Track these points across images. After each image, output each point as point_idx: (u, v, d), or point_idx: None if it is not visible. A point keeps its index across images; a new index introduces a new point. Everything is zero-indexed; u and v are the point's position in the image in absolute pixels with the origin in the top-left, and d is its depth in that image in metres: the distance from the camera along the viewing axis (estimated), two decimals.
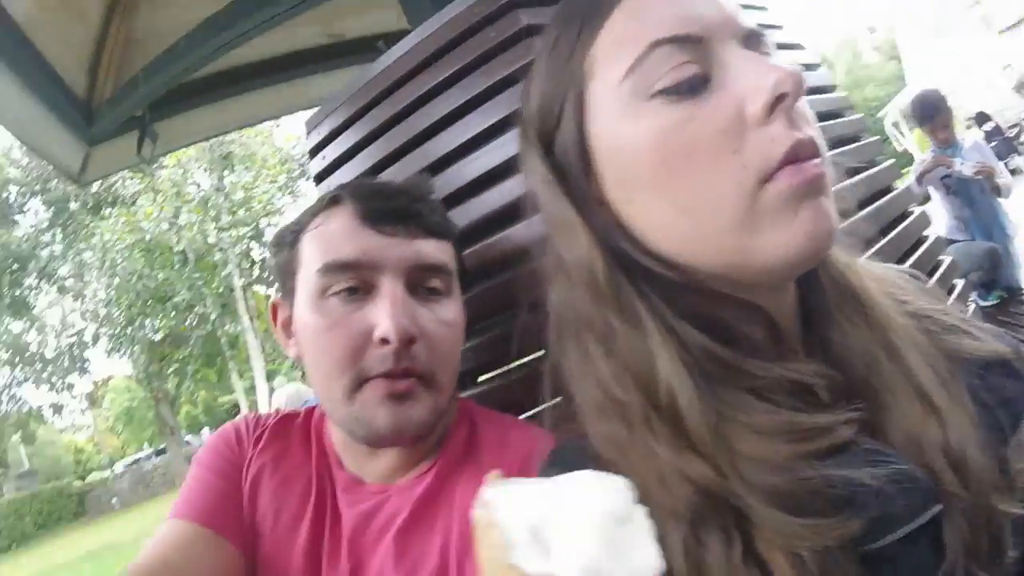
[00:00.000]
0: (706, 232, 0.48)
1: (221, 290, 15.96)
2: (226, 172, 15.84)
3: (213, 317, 16.09)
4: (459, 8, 1.10)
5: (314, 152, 1.32)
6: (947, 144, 3.63)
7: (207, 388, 20.10)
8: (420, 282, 0.79)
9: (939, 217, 3.63)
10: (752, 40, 0.50)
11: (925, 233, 1.69)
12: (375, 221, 0.77)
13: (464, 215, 1.04)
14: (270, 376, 17.85)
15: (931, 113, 3.67)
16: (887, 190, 1.59)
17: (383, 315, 0.73)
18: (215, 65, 2.64)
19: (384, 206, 0.79)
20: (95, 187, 16.40)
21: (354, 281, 0.76)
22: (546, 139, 0.56)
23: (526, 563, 0.29)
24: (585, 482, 0.35)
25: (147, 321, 16.55)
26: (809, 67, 1.69)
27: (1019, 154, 10.50)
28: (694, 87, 0.48)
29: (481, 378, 1.11)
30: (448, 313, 0.81)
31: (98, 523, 18.29)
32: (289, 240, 0.85)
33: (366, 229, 0.77)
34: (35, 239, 18.78)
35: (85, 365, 20.30)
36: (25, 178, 18.37)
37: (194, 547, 0.76)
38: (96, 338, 19.04)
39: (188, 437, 26.09)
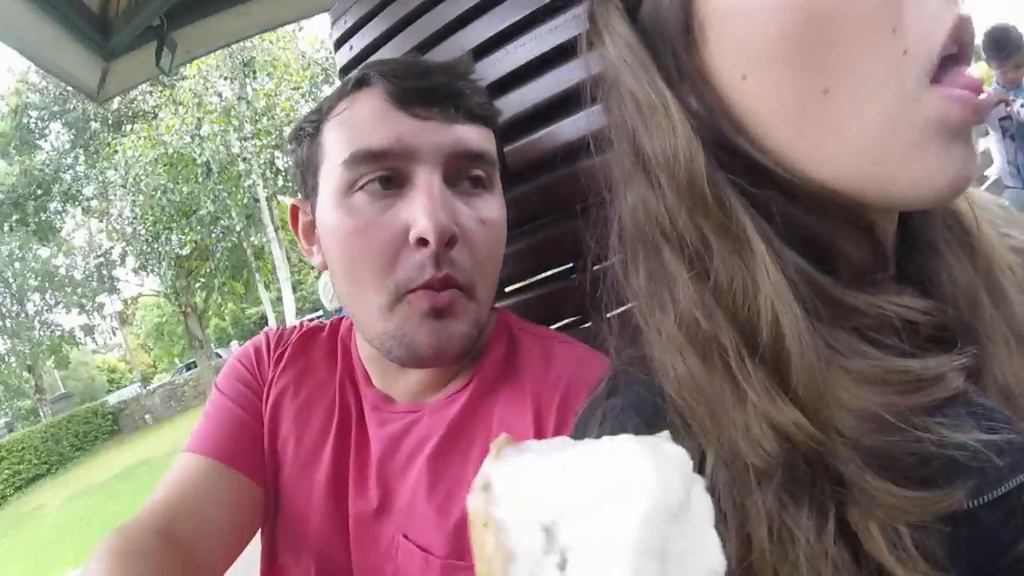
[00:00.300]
0: (842, 130, 0.37)
1: (246, 201, 16.18)
2: (248, 80, 15.75)
3: (238, 229, 16.48)
4: None
5: (339, 43, 1.23)
6: (1015, 84, 3.37)
7: (234, 301, 20.71)
8: (459, 173, 0.70)
9: (995, 158, 3.57)
10: None
11: (986, 172, 1.64)
12: (409, 103, 0.68)
13: (518, 101, 0.96)
14: (295, 287, 18.35)
15: (1005, 49, 3.36)
16: None
17: (419, 211, 0.64)
18: None
19: (419, 85, 0.69)
20: (115, 104, 16.63)
21: (386, 172, 0.67)
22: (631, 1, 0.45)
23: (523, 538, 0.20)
24: (626, 456, 0.22)
25: (173, 236, 16.91)
26: None
27: None
28: None
29: (509, 288, 1.05)
30: (490, 210, 0.72)
31: (132, 440, 18.69)
32: (309, 131, 0.75)
33: (399, 112, 0.67)
34: (57, 162, 19.10)
35: (114, 284, 21.19)
36: (44, 102, 18.51)
37: (211, 484, 0.73)
38: (124, 256, 19.73)
39: (218, 350, 26.94)
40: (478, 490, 0.23)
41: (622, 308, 0.48)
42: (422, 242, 0.65)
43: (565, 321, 0.97)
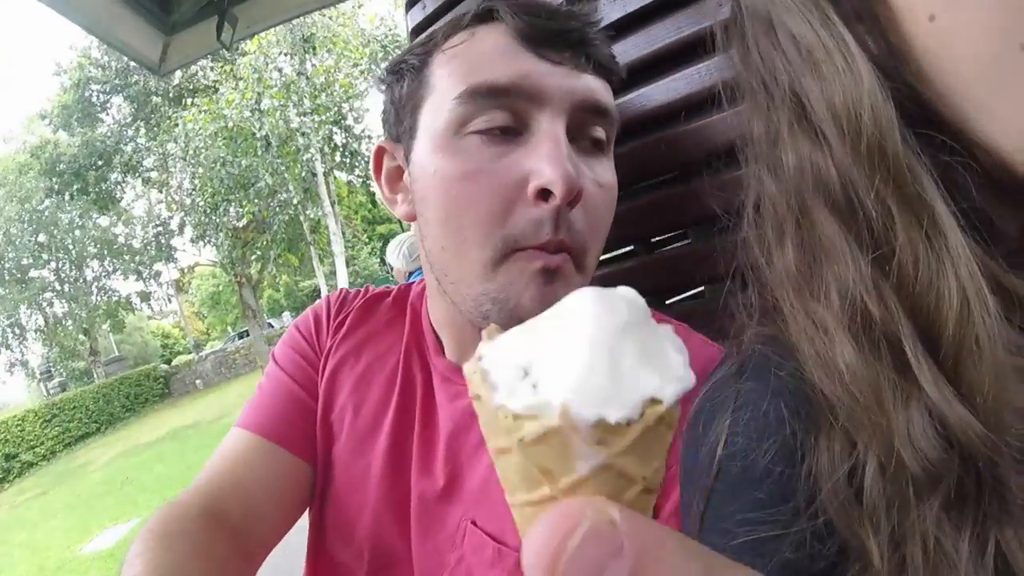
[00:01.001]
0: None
1: (303, 175, 16.40)
2: (308, 56, 15.90)
3: (296, 202, 16.67)
4: None
5: (412, 3, 1.18)
6: None
7: (288, 273, 21.08)
8: (584, 127, 0.64)
9: None
10: None
11: None
12: (539, 43, 0.61)
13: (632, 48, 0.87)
14: (348, 262, 18.59)
15: None
16: None
17: (545, 160, 0.57)
18: None
19: (551, 26, 0.62)
20: (176, 78, 17.08)
21: (504, 113, 0.60)
22: None
23: (511, 400, 0.21)
24: (583, 299, 0.23)
25: (231, 208, 17.26)
26: None
27: None
28: None
29: (614, 254, 0.96)
30: (607, 174, 0.67)
31: (182, 404, 18.97)
32: (414, 63, 0.67)
33: (526, 52, 0.61)
34: (119, 134, 19.62)
35: (172, 254, 21.72)
36: (106, 76, 18.96)
37: (258, 463, 0.71)
38: (182, 226, 20.27)
39: (270, 320, 27.48)
40: (472, 361, 0.24)
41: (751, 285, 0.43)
42: (543, 195, 0.58)
43: (678, 296, 0.91)
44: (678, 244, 0.93)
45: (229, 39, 2.44)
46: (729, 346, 0.44)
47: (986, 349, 0.31)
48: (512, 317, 0.59)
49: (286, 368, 0.78)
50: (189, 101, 17.10)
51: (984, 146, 0.33)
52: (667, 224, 0.88)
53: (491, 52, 0.61)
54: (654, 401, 0.20)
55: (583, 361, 0.20)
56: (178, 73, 16.00)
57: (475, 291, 0.61)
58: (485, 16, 0.64)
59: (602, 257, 0.71)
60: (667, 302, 0.89)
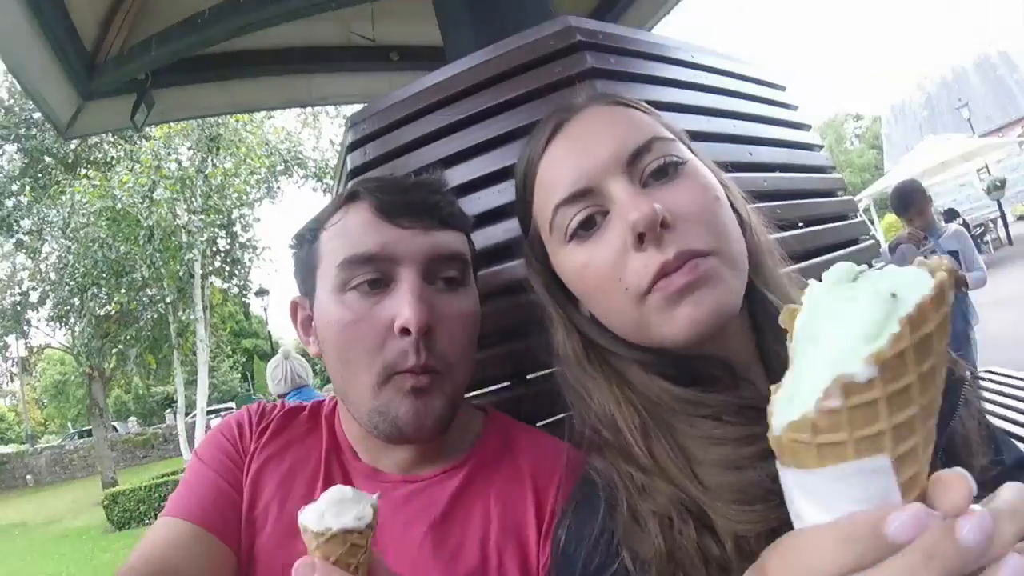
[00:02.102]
0: (626, 331, 0.68)
1: (181, 274, 15.38)
2: (210, 155, 15.40)
3: (168, 301, 15.43)
4: (530, 38, 1.20)
5: (354, 147, 1.35)
6: (924, 230, 3.94)
7: (143, 375, 19.24)
8: (437, 272, 0.82)
9: None
10: (639, 160, 0.66)
11: None
12: (392, 215, 0.81)
13: (482, 238, 1.10)
14: (209, 372, 17.24)
15: (908, 203, 3.96)
16: (869, 266, 1.67)
17: (403, 305, 0.76)
18: (229, 44, 2.66)
19: (401, 200, 0.82)
20: (73, 144, 15.80)
21: (374, 274, 0.79)
22: (540, 258, 0.77)
23: (311, 526, 0.49)
24: (333, 496, 0.52)
25: (100, 293, 15.78)
26: (810, 147, 1.80)
27: (981, 252, 11.10)
28: (591, 226, 0.67)
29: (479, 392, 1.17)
30: (465, 302, 0.85)
31: (7, 498, 17.65)
32: (309, 237, 0.87)
33: (384, 223, 0.80)
34: (3, 186, 17.59)
35: (26, 328, 19.32)
36: (7, 120, 17.34)
37: (188, 547, 0.76)
38: (42, 301, 18.02)
39: (115, 423, 25.04)
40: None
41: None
42: (404, 331, 0.76)
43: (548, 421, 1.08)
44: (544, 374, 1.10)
45: (142, 121, 2.49)
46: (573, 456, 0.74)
47: (641, 447, 0.63)
48: (394, 427, 0.77)
49: (211, 465, 0.84)
50: (83, 171, 15.81)
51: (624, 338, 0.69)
52: (533, 365, 1.11)
53: (358, 227, 0.81)
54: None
55: (322, 507, 0.51)
56: (78, 140, 14.96)
57: (366, 407, 0.79)
58: (353, 196, 0.84)
59: (484, 390, 1.10)
60: (537, 424, 1.02)
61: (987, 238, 14.25)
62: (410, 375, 0.76)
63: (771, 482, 0.45)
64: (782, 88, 1.86)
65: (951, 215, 11.66)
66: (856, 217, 1.87)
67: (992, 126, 24.95)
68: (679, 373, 0.65)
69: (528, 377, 1.15)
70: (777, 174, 1.54)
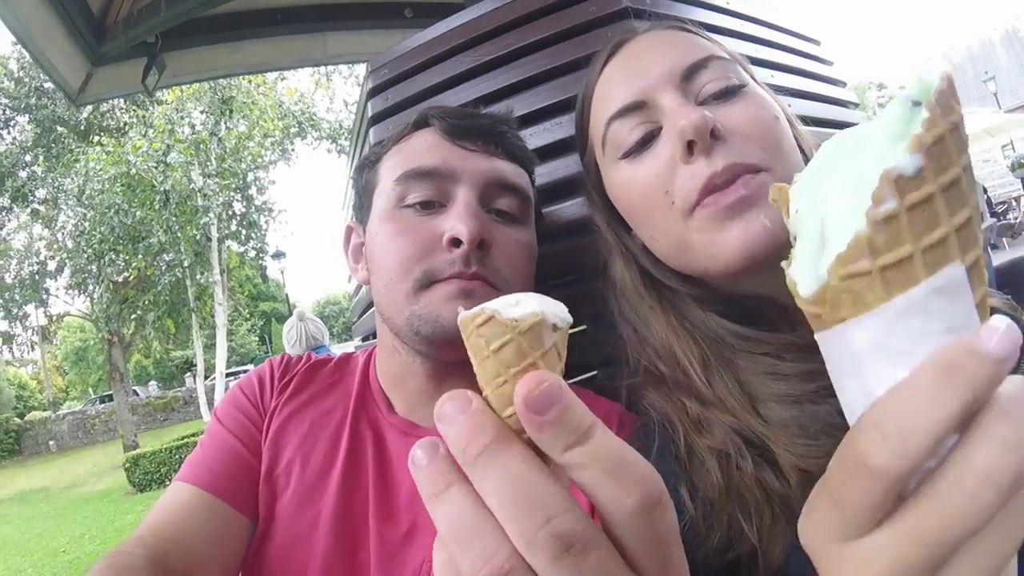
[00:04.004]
0: (671, 255, 0.66)
1: (198, 238, 15.41)
2: (223, 118, 15.32)
3: (186, 265, 15.50)
4: None
5: (375, 92, 1.31)
6: None
7: (162, 340, 19.43)
8: (494, 198, 0.79)
9: None
10: (695, 77, 0.64)
11: None
12: (457, 136, 0.79)
13: None
14: (227, 336, 17.35)
15: None
16: None
17: (455, 218, 0.73)
18: (239, 3, 2.68)
19: (468, 123, 0.81)
20: (85, 112, 15.94)
21: (430, 190, 0.76)
22: (596, 186, 0.76)
23: (502, 311, 0.32)
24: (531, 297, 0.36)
25: (117, 260, 15.88)
26: (844, 104, 1.74)
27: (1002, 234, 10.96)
28: (645, 143, 0.65)
29: None
30: (522, 235, 0.81)
31: (31, 464, 17.93)
32: (372, 160, 0.85)
33: (447, 143, 0.79)
34: (16, 157, 17.85)
35: (44, 297, 19.55)
36: (17, 91, 17.41)
37: (200, 515, 0.74)
38: (60, 270, 18.35)
39: (136, 387, 25.45)
40: (475, 311, 0.33)
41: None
42: (455, 243, 0.72)
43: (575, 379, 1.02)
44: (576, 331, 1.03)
45: (153, 84, 2.44)
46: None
47: (702, 380, 0.61)
48: (436, 330, 0.71)
49: (229, 426, 0.81)
50: (96, 138, 15.82)
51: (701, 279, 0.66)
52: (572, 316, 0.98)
53: (422, 146, 0.80)
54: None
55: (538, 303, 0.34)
56: (90, 106, 14.95)
57: (404, 314, 0.73)
58: (422, 123, 0.83)
59: None
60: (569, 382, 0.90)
61: (1010, 216, 13.93)
62: (457, 280, 0.72)
63: (836, 416, 0.48)
64: (817, 43, 1.80)
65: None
66: None
67: (1019, 101, 24.18)
68: (734, 312, 0.63)
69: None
70: (814, 128, 1.49)
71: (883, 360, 0.28)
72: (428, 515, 0.70)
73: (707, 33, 0.73)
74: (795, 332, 0.59)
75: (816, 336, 0.32)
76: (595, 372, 1.06)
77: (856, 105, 1.86)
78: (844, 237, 0.28)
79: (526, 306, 0.33)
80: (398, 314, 0.75)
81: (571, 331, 1.06)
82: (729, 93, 0.63)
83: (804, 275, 0.30)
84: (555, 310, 0.34)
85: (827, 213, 0.30)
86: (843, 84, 1.83)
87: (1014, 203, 14.56)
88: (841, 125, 1.70)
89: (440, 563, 0.31)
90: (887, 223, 0.27)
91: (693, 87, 0.64)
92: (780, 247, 0.57)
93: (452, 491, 0.31)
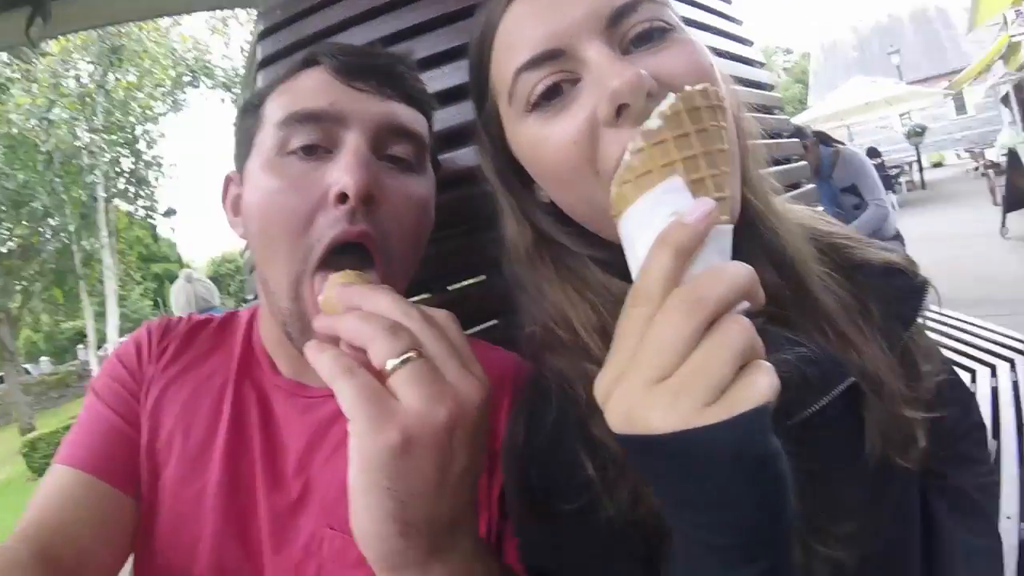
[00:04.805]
0: (592, 219, 0.61)
1: (84, 199, 14.41)
2: (112, 68, 14.25)
3: (72, 229, 14.46)
4: None
5: (266, 33, 1.22)
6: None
7: (51, 311, 18.17)
8: (387, 144, 0.72)
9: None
10: (622, 21, 0.55)
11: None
12: (349, 75, 0.72)
13: None
14: (119, 303, 16.57)
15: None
16: (796, 185, 1.79)
17: (341, 169, 0.66)
18: None
19: (361, 62, 0.73)
20: None
21: (316, 135, 0.69)
22: (495, 137, 0.68)
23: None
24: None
25: (0, 228, 14.69)
26: (751, 63, 1.78)
27: (894, 192, 11.83)
28: (557, 94, 0.57)
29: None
30: (416, 187, 0.75)
31: None
32: (255, 103, 0.77)
33: (338, 83, 0.71)
34: None
35: None
36: None
37: (82, 500, 0.69)
38: None
39: (27, 366, 23.78)
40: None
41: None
42: (341, 198, 0.65)
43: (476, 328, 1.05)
44: (473, 282, 1.09)
45: (38, 35, 2.22)
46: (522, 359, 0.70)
47: (598, 341, 0.60)
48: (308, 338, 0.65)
49: (106, 400, 0.77)
50: None
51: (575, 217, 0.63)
52: (468, 266, 1.06)
53: (310, 86, 0.71)
54: None
55: None
56: None
57: (284, 304, 0.68)
58: (310, 61, 0.74)
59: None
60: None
61: (902, 180, 14.96)
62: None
63: None
64: (728, 1, 1.81)
65: (872, 153, 12.08)
66: (788, 136, 1.89)
67: (920, 76, 25.69)
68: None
69: (448, 287, 1.10)
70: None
71: (642, 232, 0.45)
72: (319, 479, 0.71)
73: None
74: None
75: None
76: (495, 322, 1.05)
77: (762, 65, 1.89)
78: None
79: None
80: (278, 298, 0.69)
81: (470, 281, 1.02)
82: (658, 37, 0.56)
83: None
84: None
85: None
86: (751, 43, 1.85)
87: (906, 167, 15.67)
88: (749, 83, 1.73)
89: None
90: (639, 154, 0.46)
91: (619, 31, 0.55)
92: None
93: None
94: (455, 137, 1.02)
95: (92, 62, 14.10)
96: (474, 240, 0.99)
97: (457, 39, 1.07)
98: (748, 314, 0.42)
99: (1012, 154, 7.64)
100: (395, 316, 0.50)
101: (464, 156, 1.02)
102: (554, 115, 0.56)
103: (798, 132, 3.83)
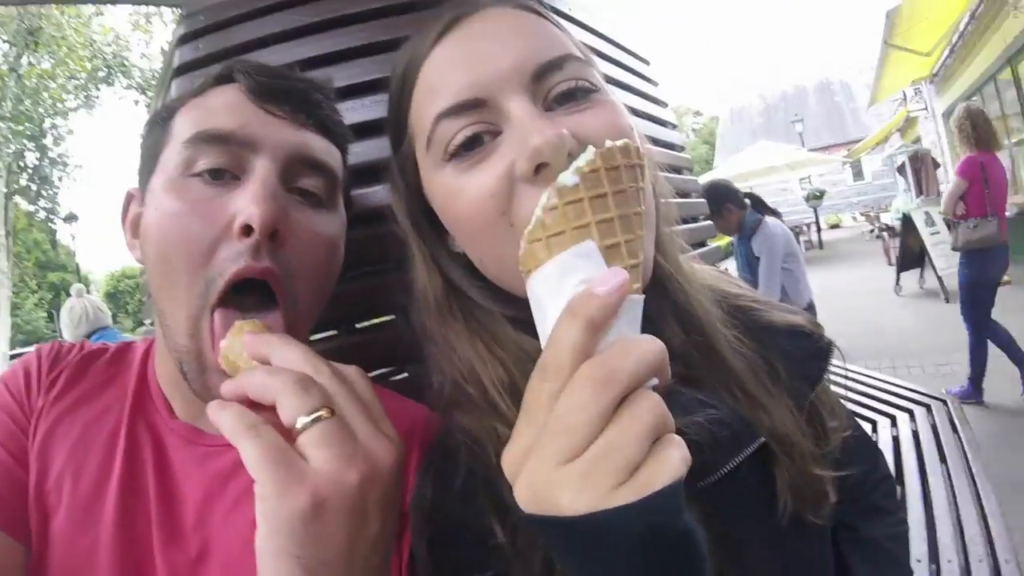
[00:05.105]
0: (503, 276, 0.60)
1: None
2: (27, 51, 13.35)
3: None
4: None
5: (186, 39, 1.17)
6: (726, 231, 4.28)
7: None
8: (297, 176, 0.69)
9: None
10: (547, 78, 0.57)
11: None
12: (264, 97, 0.69)
13: None
14: (12, 310, 15.32)
15: (712, 200, 3.99)
16: (703, 244, 1.89)
17: (248, 199, 0.62)
18: None
19: (277, 84, 0.70)
20: None
21: (224, 158, 0.65)
22: (410, 181, 0.67)
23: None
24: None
25: None
26: (664, 123, 1.87)
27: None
28: (476, 144, 0.56)
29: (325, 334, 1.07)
30: (325, 224, 0.71)
31: None
32: (164, 115, 0.72)
33: (251, 105, 0.68)
34: None
35: None
36: None
37: None
38: None
39: None
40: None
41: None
42: (246, 230, 0.62)
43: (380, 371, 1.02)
44: (381, 322, 1.05)
45: None
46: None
47: (506, 399, 0.59)
48: (203, 385, 0.64)
49: None
50: None
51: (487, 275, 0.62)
52: (377, 307, 1.02)
53: (221, 105, 0.68)
54: None
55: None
56: None
57: (180, 340, 0.64)
58: (225, 78, 0.71)
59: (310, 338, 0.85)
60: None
61: (801, 240, 15.99)
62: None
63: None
64: (647, 62, 1.91)
65: (769, 211, 12.74)
66: (697, 197, 2.00)
67: (821, 143, 27.79)
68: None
69: (357, 326, 1.06)
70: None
71: (552, 299, 0.43)
72: (219, 536, 0.66)
73: (559, 19, 0.65)
74: None
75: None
76: (406, 375, 1.03)
77: (675, 126, 2.00)
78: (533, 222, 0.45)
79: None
80: (175, 334, 0.65)
81: (377, 320, 0.95)
82: (581, 96, 0.57)
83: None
84: None
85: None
86: (665, 104, 1.96)
87: (805, 228, 16.75)
88: (662, 144, 1.82)
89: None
90: (552, 212, 0.43)
91: (543, 87, 0.56)
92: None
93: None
94: (369, 172, 0.99)
95: (8, 41, 13.22)
96: (383, 280, 0.93)
97: (379, 71, 1.06)
98: None
99: (906, 218, 8.24)
100: (305, 370, 0.48)
101: (377, 193, 0.99)
102: (472, 166, 0.56)
103: (730, 194, 4.17)
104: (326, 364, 0.50)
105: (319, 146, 0.72)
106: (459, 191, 0.57)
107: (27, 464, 0.69)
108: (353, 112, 1.03)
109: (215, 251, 0.63)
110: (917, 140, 16.17)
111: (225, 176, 0.65)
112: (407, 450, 0.66)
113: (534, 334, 0.54)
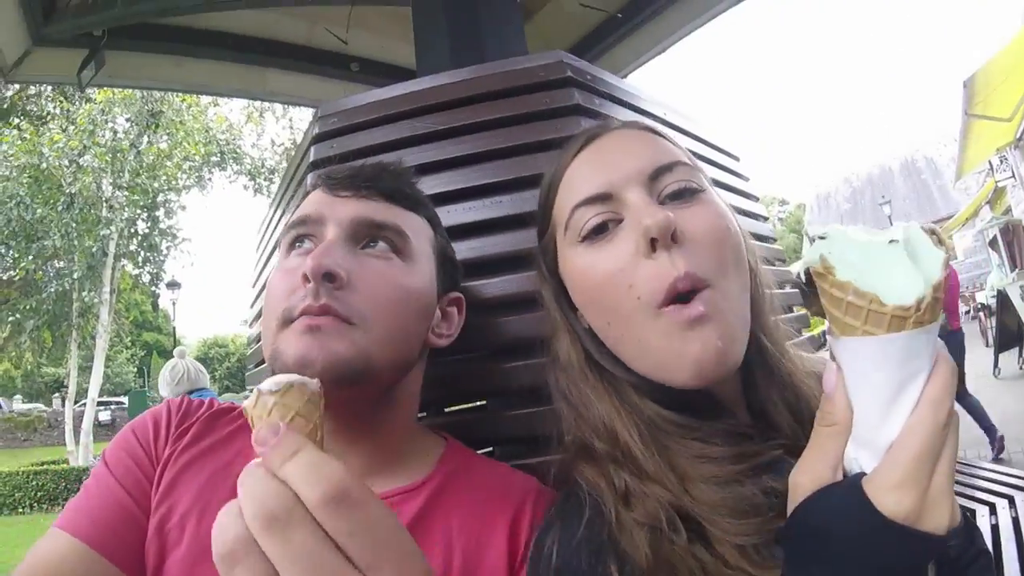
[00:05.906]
0: (623, 345, 0.69)
1: (94, 250, 14.42)
2: (148, 130, 14.74)
3: (76, 276, 14.42)
4: (518, 64, 1.23)
5: (321, 138, 1.31)
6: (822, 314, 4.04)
7: (36, 351, 17.72)
8: (366, 236, 0.81)
9: None
10: (661, 178, 0.70)
11: None
12: (332, 187, 0.85)
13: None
14: (106, 362, 16.26)
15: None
16: (798, 333, 1.78)
17: (311, 255, 0.75)
18: (193, 19, 2.68)
19: (346, 175, 0.86)
20: (9, 90, 14.67)
21: (303, 230, 0.82)
22: (550, 265, 0.79)
23: (262, 388, 0.49)
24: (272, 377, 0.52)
25: (8, 255, 14.76)
26: (758, 217, 1.87)
27: None
28: (603, 230, 0.69)
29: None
30: (397, 271, 0.81)
31: None
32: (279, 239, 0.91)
33: (325, 193, 0.85)
34: None
35: None
36: None
37: (76, 570, 0.67)
38: None
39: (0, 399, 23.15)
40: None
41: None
42: (304, 278, 0.73)
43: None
44: (470, 407, 1.14)
45: (88, 79, 2.37)
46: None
47: (642, 454, 0.65)
48: (280, 362, 0.71)
49: (116, 473, 0.76)
50: (15, 121, 14.73)
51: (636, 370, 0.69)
52: (467, 392, 1.11)
53: (307, 202, 0.86)
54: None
55: None
56: (17, 86, 14.03)
57: (268, 352, 0.75)
58: (315, 185, 0.90)
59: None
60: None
61: None
62: (305, 317, 0.72)
63: (760, 496, 0.58)
64: (737, 159, 1.94)
65: None
66: (789, 288, 1.98)
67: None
68: (667, 399, 0.68)
69: (446, 410, 1.12)
70: None
71: (895, 366, 0.46)
72: None
73: (671, 134, 0.79)
74: (722, 420, 0.67)
75: (842, 341, 0.47)
76: (491, 449, 1.07)
77: (766, 219, 2.01)
78: (916, 290, 0.45)
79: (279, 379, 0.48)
80: (267, 348, 0.76)
81: (468, 406, 1.13)
82: (688, 195, 0.69)
83: (893, 292, 0.46)
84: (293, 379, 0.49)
85: (883, 277, 0.47)
86: (756, 199, 1.98)
87: None
88: (757, 237, 1.83)
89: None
90: (923, 300, 0.45)
91: (657, 186, 0.69)
92: (728, 368, 0.64)
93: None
94: (472, 267, 1.07)
95: (130, 120, 14.57)
96: (477, 366, 1.07)
97: (493, 176, 1.15)
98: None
99: (1002, 295, 7.89)
100: (277, 514, 0.42)
101: (491, 286, 1.08)
102: (601, 247, 0.69)
103: None
104: (320, 488, 0.42)
105: (381, 210, 0.84)
106: (590, 267, 0.69)
107: (147, 508, 0.74)
108: (472, 212, 1.15)
109: (289, 295, 0.75)
110: (1008, 211, 15.40)
111: (305, 242, 0.82)
112: (518, 514, 0.76)
113: (653, 398, 0.69)
